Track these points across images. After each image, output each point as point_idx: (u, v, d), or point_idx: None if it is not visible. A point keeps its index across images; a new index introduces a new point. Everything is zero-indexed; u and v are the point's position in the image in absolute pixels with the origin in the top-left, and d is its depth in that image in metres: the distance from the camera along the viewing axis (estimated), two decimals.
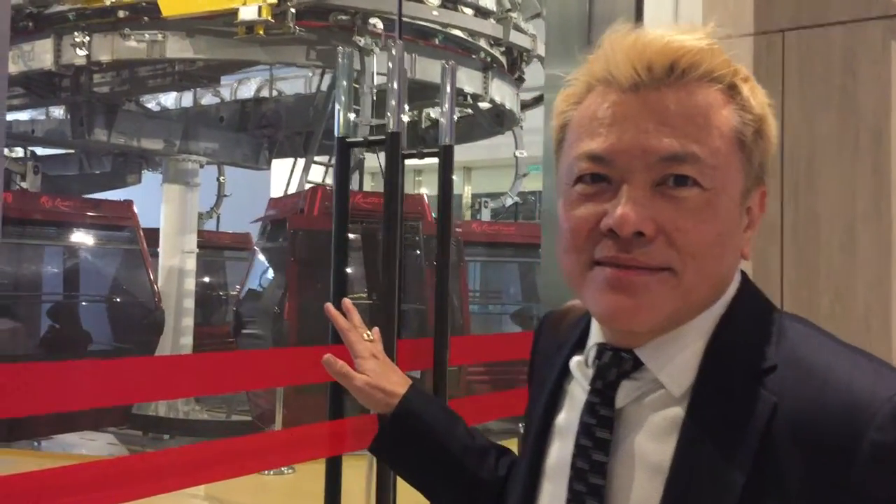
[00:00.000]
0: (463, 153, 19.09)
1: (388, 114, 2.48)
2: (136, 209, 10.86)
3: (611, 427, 0.95)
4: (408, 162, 12.33)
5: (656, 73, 0.92)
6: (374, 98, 7.96)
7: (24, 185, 10.59)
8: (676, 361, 0.94)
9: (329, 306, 1.46)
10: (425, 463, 1.32)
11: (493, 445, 1.33)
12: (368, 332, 1.41)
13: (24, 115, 16.18)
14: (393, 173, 2.46)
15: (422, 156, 2.97)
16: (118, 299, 10.87)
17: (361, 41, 8.35)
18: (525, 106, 11.64)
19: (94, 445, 9.51)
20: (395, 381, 1.35)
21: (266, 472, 7.16)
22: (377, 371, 1.35)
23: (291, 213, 9.80)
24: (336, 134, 2.59)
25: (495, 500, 1.25)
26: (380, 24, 8.47)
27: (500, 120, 11.83)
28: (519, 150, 12.16)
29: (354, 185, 9.64)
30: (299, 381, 2.49)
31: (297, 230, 9.47)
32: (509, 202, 12.30)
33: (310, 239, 9.23)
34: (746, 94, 0.96)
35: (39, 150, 15.82)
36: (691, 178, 0.91)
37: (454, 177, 18.45)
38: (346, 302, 1.47)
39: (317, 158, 11.36)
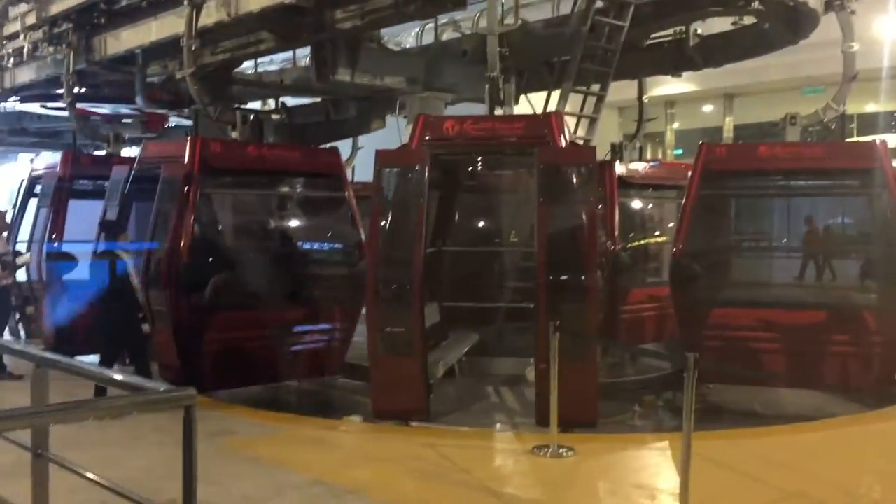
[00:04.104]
0: (723, 78, 16.95)
1: None
2: (341, 157, 10.13)
3: None
4: (658, 91, 10.08)
5: None
6: None
7: (234, 134, 10.23)
8: None
9: None
10: None
11: None
12: None
13: (273, 66, 16.42)
14: None
15: None
16: (322, 249, 10.29)
17: None
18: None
19: None
20: None
21: (542, 453, 6.11)
22: None
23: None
24: None
25: None
26: None
27: (794, 26, 9.72)
28: (848, 44, 9.58)
29: None
30: None
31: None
32: (830, 114, 9.36)
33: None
34: None
35: (289, 101, 15.96)
36: None
37: (708, 107, 15.86)
38: None
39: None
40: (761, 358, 8.43)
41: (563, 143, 7.55)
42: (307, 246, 10.55)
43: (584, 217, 7.24)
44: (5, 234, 9.96)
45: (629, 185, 11.32)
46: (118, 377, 2.98)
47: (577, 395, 6.85)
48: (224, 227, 10.15)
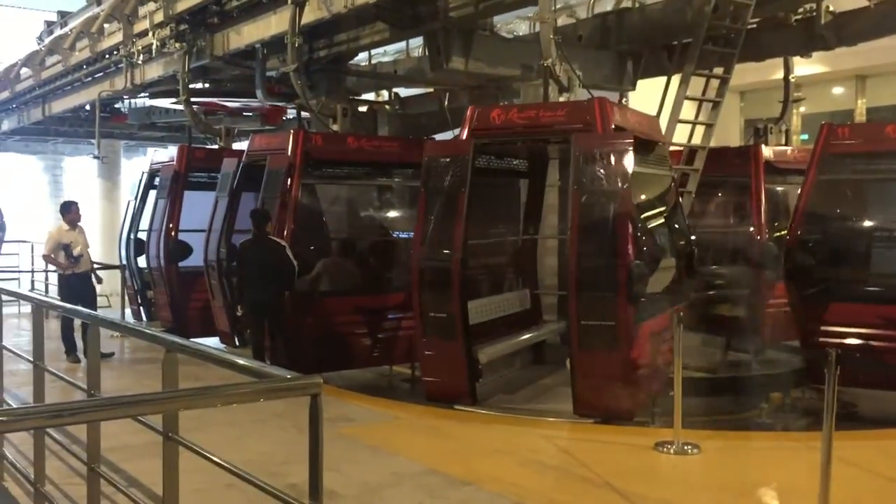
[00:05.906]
0: (854, 58, 15.93)
1: None
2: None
3: None
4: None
5: None
6: None
7: (335, 126, 10.50)
8: None
9: None
10: None
11: None
12: None
13: (387, 58, 16.55)
14: None
15: None
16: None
17: None
18: None
19: None
20: None
21: (665, 449, 5.88)
22: None
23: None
24: None
25: None
26: None
27: None
28: None
29: None
30: None
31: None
32: None
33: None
34: None
35: (402, 91, 16.06)
36: None
37: (838, 89, 14.63)
38: None
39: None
40: (887, 359, 7.75)
41: (607, 130, 7.21)
42: (403, 234, 10.71)
43: (618, 205, 6.94)
44: (80, 223, 10.16)
45: (776, 170, 10.72)
46: (245, 363, 2.98)
47: (609, 385, 6.75)
48: (325, 216, 10.50)
